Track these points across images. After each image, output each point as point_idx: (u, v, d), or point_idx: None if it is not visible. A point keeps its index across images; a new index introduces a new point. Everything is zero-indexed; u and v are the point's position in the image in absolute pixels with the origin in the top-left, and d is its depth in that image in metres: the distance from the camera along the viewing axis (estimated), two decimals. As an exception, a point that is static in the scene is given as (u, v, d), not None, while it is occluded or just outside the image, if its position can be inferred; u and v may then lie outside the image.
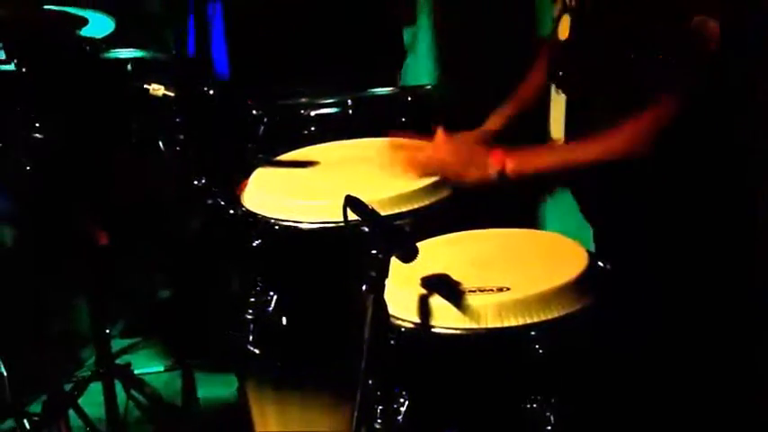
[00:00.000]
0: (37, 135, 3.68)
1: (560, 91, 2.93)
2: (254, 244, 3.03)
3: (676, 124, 2.68)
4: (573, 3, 2.90)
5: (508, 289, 2.54)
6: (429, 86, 3.87)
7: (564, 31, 2.94)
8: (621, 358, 2.64)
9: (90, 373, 3.79)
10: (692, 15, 2.65)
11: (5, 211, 4.05)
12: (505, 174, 2.77)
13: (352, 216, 2.53)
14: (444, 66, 4.18)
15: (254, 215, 3.00)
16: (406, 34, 4.31)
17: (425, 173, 2.94)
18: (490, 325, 2.50)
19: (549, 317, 2.51)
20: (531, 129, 3.14)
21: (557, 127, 2.95)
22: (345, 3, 4.17)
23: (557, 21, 2.97)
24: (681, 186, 2.77)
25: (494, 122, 3.14)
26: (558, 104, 2.94)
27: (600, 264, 2.67)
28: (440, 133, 2.95)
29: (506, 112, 3.15)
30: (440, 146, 2.93)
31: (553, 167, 2.80)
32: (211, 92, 3.53)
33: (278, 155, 3.26)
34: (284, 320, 3.01)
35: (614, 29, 2.77)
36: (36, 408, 3.79)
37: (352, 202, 2.53)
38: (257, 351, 3.05)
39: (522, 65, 3.20)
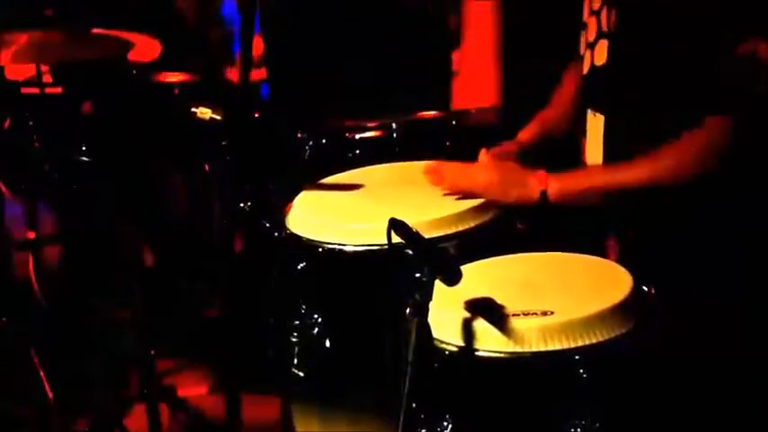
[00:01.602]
0: (83, 158, 3.72)
1: (597, 114, 2.92)
2: (299, 267, 3.04)
3: (731, 150, 2.66)
4: (610, 27, 2.89)
5: (552, 312, 2.53)
6: (475, 110, 3.87)
7: (600, 56, 2.94)
8: (667, 383, 2.63)
9: (135, 394, 3.81)
10: (743, 38, 2.64)
11: (54, 231, 4.08)
12: (548, 195, 2.77)
13: (396, 239, 2.53)
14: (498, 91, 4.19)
15: (299, 238, 3.01)
16: (454, 57, 4.32)
17: (468, 195, 2.94)
18: (534, 349, 2.49)
19: (594, 341, 2.49)
20: (562, 156, 3.14)
21: (594, 150, 2.94)
22: (393, 25, 4.18)
23: (589, 46, 2.96)
24: (736, 209, 2.75)
25: (525, 134, 3.14)
26: (595, 127, 2.94)
27: (644, 288, 2.65)
28: (483, 154, 2.96)
29: (534, 129, 3.15)
30: (482, 167, 2.94)
31: (597, 189, 2.79)
32: (258, 115, 3.55)
33: (323, 178, 3.27)
34: (328, 343, 3.01)
35: (659, 53, 2.76)
36: (82, 429, 3.81)
37: (396, 225, 2.53)
38: (301, 374, 3.05)
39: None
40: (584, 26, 3.02)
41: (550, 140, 3.18)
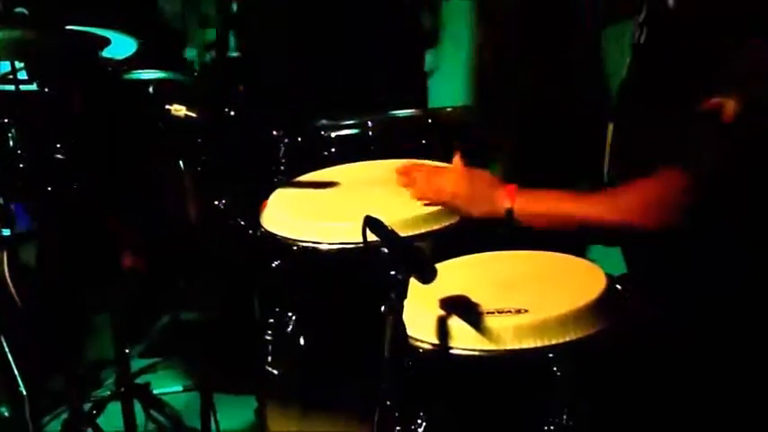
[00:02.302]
0: (58, 155, 3.70)
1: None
2: (274, 265, 3.04)
3: (690, 207, 2.63)
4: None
5: (527, 311, 2.54)
6: (450, 109, 3.87)
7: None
8: (640, 380, 2.63)
9: (109, 392, 3.80)
10: (709, 95, 2.63)
11: (29, 230, 4.06)
12: (514, 213, 2.75)
13: (371, 237, 2.53)
14: (471, 88, 4.19)
15: (274, 236, 3.00)
16: (429, 56, 4.32)
17: (433, 202, 2.94)
18: (508, 347, 2.50)
19: (568, 339, 2.50)
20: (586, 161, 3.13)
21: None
22: (366, 25, 4.18)
23: None
24: (724, 253, 2.72)
25: None
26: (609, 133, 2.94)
27: (618, 287, 2.66)
28: (457, 160, 2.95)
29: None
30: (453, 176, 2.92)
31: (559, 216, 2.74)
32: (232, 113, 3.54)
33: (298, 176, 3.27)
34: (302, 341, 3.02)
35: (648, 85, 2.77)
36: (55, 427, 3.80)
37: (371, 223, 2.53)
38: (276, 372, 3.05)
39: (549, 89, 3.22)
40: None
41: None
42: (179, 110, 3.25)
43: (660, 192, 2.64)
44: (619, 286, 2.67)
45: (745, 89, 2.60)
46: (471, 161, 2.99)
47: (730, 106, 2.60)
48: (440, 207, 2.93)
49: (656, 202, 2.64)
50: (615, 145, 2.91)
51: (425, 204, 2.93)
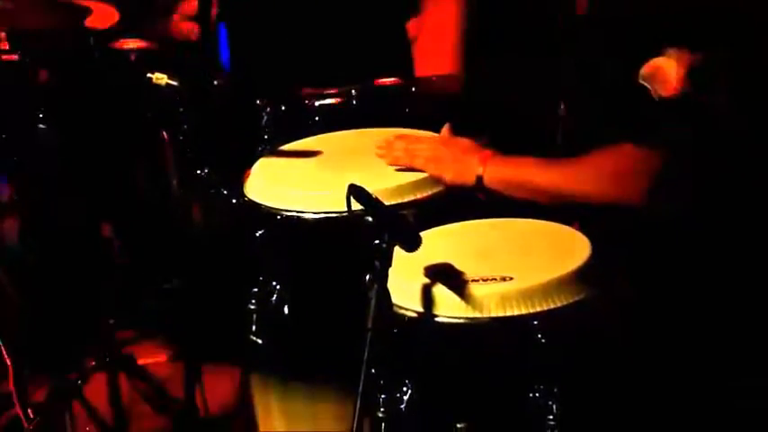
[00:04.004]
0: (41, 125, 3.68)
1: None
2: (257, 234, 3.03)
3: (650, 178, 2.63)
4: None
5: (511, 278, 2.54)
6: (436, 77, 3.85)
7: None
8: (624, 348, 2.63)
9: (94, 363, 3.79)
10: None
11: (10, 202, 4.05)
12: (483, 179, 2.76)
13: (355, 205, 2.52)
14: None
15: (257, 205, 2.99)
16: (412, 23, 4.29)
17: (407, 166, 2.93)
18: (493, 314, 2.50)
19: (552, 306, 2.50)
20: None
21: None
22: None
23: None
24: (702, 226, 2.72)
25: None
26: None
27: (603, 254, 2.66)
28: (445, 129, 2.95)
29: None
30: (430, 141, 2.93)
31: (528, 183, 2.75)
32: (215, 82, 3.53)
33: (281, 145, 3.25)
34: (287, 311, 3.01)
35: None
36: (40, 397, 3.79)
37: (355, 192, 2.52)
38: (260, 341, 3.05)
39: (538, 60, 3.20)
40: None
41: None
42: (160, 78, 3.22)
43: (613, 163, 2.65)
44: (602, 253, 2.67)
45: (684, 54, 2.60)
46: (462, 131, 2.99)
47: (672, 70, 2.58)
48: (424, 176, 2.92)
49: (609, 174, 2.66)
50: (566, 121, 2.93)
51: (399, 170, 2.93)
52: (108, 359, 3.70)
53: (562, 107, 3.01)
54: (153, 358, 4.14)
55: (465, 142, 2.92)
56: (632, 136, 2.63)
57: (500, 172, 2.79)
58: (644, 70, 2.60)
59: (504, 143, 2.94)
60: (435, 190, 2.92)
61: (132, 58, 3.66)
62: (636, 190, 2.63)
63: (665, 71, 2.59)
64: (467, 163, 2.82)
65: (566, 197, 2.72)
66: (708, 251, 2.67)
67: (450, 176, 2.86)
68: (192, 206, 3.68)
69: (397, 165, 2.96)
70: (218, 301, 3.70)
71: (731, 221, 2.66)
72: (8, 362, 3.57)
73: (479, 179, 2.79)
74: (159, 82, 3.22)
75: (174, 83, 3.21)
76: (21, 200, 4.02)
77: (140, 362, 3.85)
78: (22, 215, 4.11)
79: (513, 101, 3.49)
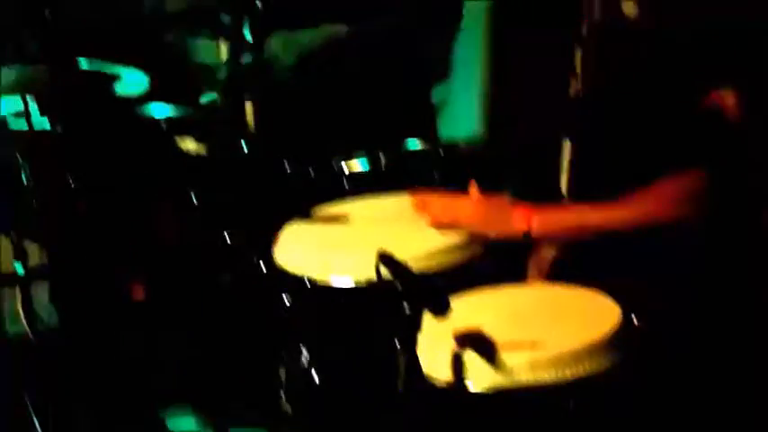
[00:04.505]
0: (72, 188, 3.71)
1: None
2: (286, 300, 3.03)
3: (706, 200, 2.70)
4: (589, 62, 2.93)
5: (541, 345, 2.53)
6: (464, 142, 3.87)
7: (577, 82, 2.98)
8: (654, 414, 2.63)
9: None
10: (709, 90, 2.69)
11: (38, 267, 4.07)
12: (531, 232, 2.80)
13: (384, 272, 2.52)
14: (486, 121, 4.17)
15: (286, 271, 3.00)
16: (440, 89, 4.31)
17: (450, 229, 2.95)
18: (523, 381, 2.49)
19: (582, 373, 2.49)
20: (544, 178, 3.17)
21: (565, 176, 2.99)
22: (377, 56, 4.17)
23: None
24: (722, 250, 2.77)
25: None
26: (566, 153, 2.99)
27: (633, 320, 2.65)
28: (473, 190, 2.97)
29: None
30: (468, 201, 2.95)
31: (579, 229, 2.82)
32: (244, 146, 3.55)
33: (310, 209, 3.26)
34: (315, 376, 3.00)
35: (630, 95, 2.80)
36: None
37: (384, 259, 2.52)
38: (288, 408, 3.04)
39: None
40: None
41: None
42: (189, 144, 3.24)
43: (679, 189, 2.74)
44: (633, 318, 2.67)
45: (741, 83, 2.65)
46: (487, 190, 3.01)
47: (730, 100, 2.66)
48: (453, 240, 2.92)
49: (685, 200, 2.75)
50: (575, 162, 2.95)
51: (441, 231, 2.94)
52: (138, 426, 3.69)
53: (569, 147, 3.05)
54: (183, 426, 4.13)
55: (501, 198, 2.97)
56: (698, 161, 2.73)
57: (547, 222, 2.85)
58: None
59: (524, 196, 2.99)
60: (465, 255, 2.92)
61: (162, 124, 3.69)
62: (700, 210, 2.74)
63: (726, 99, 2.66)
64: (511, 217, 2.87)
65: (623, 229, 2.75)
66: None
67: (495, 232, 2.89)
68: (220, 270, 3.68)
69: (437, 224, 2.96)
70: (247, 367, 3.70)
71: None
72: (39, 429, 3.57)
73: (527, 234, 2.83)
74: (189, 148, 3.24)
75: (204, 149, 3.24)
76: (51, 263, 4.04)
77: (170, 428, 3.84)
78: (52, 279, 4.12)
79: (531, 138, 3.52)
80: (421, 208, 3.01)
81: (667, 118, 2.76)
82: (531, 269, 3.10)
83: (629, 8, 2.80)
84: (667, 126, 2.77)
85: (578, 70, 2.99)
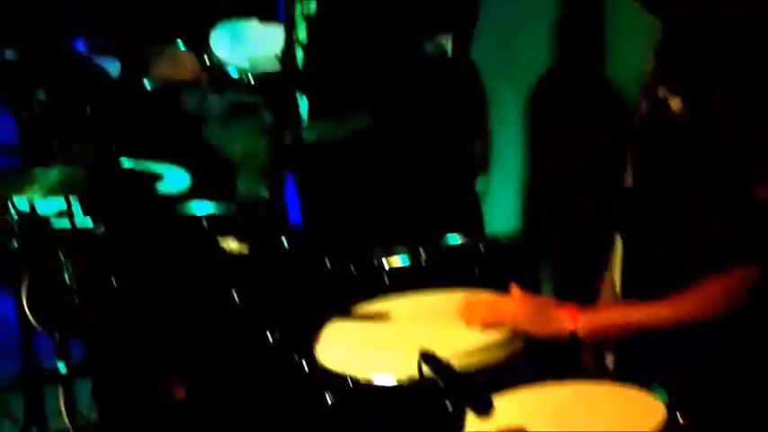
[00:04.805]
0: (114, 286, 3.73)
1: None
2: (328, 398, 3.02)
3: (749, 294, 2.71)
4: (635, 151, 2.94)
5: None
6: (504, 237, 3.87)
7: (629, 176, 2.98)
8: None
9: None
10: (759, 182, 2.70)
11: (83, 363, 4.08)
12: (578, 332, 2.81)
13: (426, 370, 2.51)
14: (526, 215, 4.19)
15: (328, 369, 2.99)
16: (480, 182, 4.33)
17: (496, 326, 2.95)
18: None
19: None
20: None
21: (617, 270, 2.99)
22: (420, 152, 4.19)
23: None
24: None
25: None
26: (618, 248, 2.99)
27: (678, 418, 2.63)
28: (514, 290, 2.98)
29: None
30: (513, 301, 2.96)
31: (624, 328, 2.83)
32: (285, 244, 3.56)
33: (352, 307, 3.26)
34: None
35: (679, 188, 2.81)
36: None
37: (426, 357, 2.52)
38: None
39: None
40: None
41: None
42: (231, 244, 3.26)
43: (735, 287, 2.76)
44: (679, 416, 2.64)
45: None
46: (528, 288, 3.02)
47: None
48: (495, 338, 2.92)
49: (732, 297, 2.76)
50: (629, 258, 2.95)
51: (487, 329, 2.93)
52: None
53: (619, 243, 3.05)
54: None
55: (545, 298, 2.98)
56: (745, 256, 2.76)
57: (593, 322, 2.86)
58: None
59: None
60: (507, 353, 2.91)
61: (204, 223, 3.71)
62: (742, 305, 2.75)
63: None
64: (556, 317, 2.87)
65: (667, 327, 2.77)
66: None
67: (542, 332, 2.88)
68: (262, 369, 3.68)
69: (484, 325, 2.96)
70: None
71: None
72: None
73: (573, 334, 2.83)
74: (231, 248, 3.26)
75: (245, 249, 3.25)
76: (93, 361, 4.05)
77: None
78: (94, 376, 4.14)
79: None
80: (467, 310, 3.01)
81: (715, 212, 2.77)
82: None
83: (676, 104, 2.82)
84: (715, 220, 2.77)
85: (628, 164, 2.99)
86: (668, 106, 2.84)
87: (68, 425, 3.98)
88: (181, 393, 3.68)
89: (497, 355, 2.90)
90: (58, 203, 3.80)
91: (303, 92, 3.96)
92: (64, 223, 3.77)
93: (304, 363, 3.15)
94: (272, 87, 4.68)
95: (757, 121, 2.77)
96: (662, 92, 2.86)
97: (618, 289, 3.04)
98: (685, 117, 2.82)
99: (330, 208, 4.12)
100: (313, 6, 3.90)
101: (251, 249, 3.33)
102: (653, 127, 2.91)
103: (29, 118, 4.50)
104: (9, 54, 4.78)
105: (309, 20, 3.91)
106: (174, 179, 3.97)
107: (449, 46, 3.72)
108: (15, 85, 4.69)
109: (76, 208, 3.75)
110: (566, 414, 2.69)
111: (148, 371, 3.87)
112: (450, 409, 2.43)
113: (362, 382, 2.91)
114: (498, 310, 2.97)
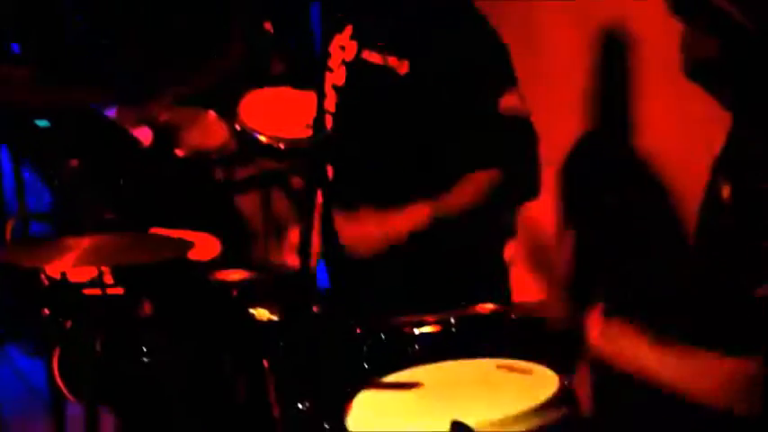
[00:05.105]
0: (144, 357, 3.74)
1: None
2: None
3: None
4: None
5: None
6: (534, 303, 3.86)
7: None
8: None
9: None
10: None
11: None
12: None
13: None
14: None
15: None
16: (508, 249, 4.32)
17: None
18: None
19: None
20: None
21: None
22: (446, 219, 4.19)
23: None
24: None
25: None
26: None
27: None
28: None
29: None
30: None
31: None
32: (316, 312, 3.55)
33: (382, 376, 3.26)
34: None
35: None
36: None
37: (457, 427, 2.51)
38: None
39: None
40: None
41: None
42: (262, 314, 3.27)
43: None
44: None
45: None
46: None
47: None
48: (529, 406, 2.91)
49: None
50: None
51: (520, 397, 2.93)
52: None
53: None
54: None
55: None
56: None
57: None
58: None
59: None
60: (542, 421, 2.90)
61: (234, 291, 3.72)
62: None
63: None
64: None
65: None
66: None
67: None
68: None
69: None
70: None
71: None
72: None
73: None
74: (261, 317, 3.27)
75: (276, 318, 3.26)
76: (124, 428, 4.05)
77: None
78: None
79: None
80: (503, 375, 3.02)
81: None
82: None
83: (727, 192, 2.81)
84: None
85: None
86: (720, 190, 2.82)
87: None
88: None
89: (529, 424, 2.88)
90: (89, 271, 3.82)
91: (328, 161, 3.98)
92: (95, 291, 3.79)
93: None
94: (302, 155, 4.73)
95: None
96: (720, 179, 2.84)
97: None
98: (732, 205, 2.80)
99: (359, 275, 4.12)
100: (343, 77, 3.92)
101: (281, 317, 3.33)
102: (704, 206, 2.89)
103: (61, 186, 4.53)
104: (42, 122, 4.83)
105: (338, 90, 3.93)
106: (204, 246, 3.99)
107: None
108: (48, 153, 4.73)
109: (107, 276, 3.76)
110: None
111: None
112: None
113: (394, 452, 2.90)
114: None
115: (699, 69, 2.78)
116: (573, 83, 4.67)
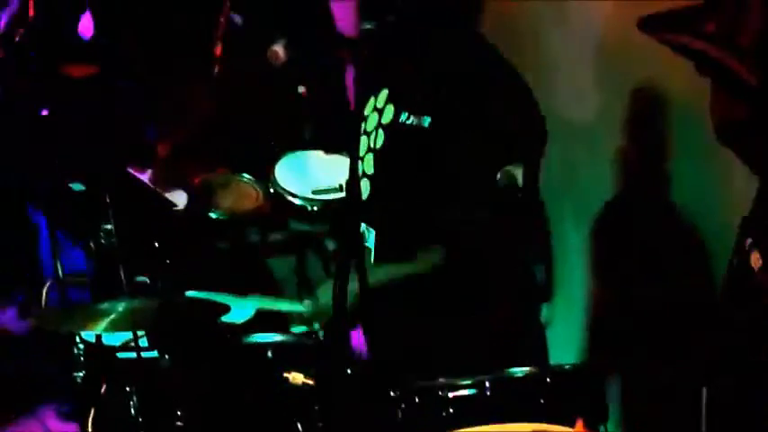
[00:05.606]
0: (178, 421, 3.74)
1: None
2: None
3: None
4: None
5: None
6: (569, 365, 3.84)
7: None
8: None
9: None
10: None
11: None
12: None
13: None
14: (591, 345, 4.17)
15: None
16: (544, 311, 4.32)
17: None
18: None
19: None
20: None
21: None
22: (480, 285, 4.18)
23: None
24: None
25: None
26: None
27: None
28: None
29: None
30: None
31: None
32: (350, 376, 3.55)
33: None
34: None
35: None
36: None
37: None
38: None
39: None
40: None
41: None
42: (297, 378, 3.28)
43: None
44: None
45: None
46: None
47: None
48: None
49: None
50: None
51: None
52: None
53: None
54: None
55: None
56: None
57: None
58: None
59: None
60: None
61: (269, 353, 3.72)
62: None
63: None
64: None
65: None
66: None
67: None
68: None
69: None
70: None
71: None
72: None
73: None
74: (296, 382, 3.27)
75: (311, 382, 3.26)
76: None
77: None
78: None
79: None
80: None
81: None
82: None
83: (756, 259, 2.81)
84: None
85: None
86: (749, 258, 2.81)
87: None
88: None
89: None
90: (124, 335, 3.84)
91: (369, 224, 3.98)
92: (130, 354, 3.80)
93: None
94: (335, 217, 4.74)
95: None
96: (749, 242, 2.83)
97: None
98: (761, 275, 2.79)
99: (393, 339, 4.11)
100: (381, 140, 3.94)
101: (316, 381, 3.33)
102: (731, 267, 2.88)
103: (96, 250, 4.56)
104: (76, 186, 4.86)
105: (377, 153, 3.94)
106: (239, 310, 4.00)
107: (519, 176, 3.73)
108: (83, 217, 4.76)
109: (142, 340, 3.77)
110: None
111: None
112: None
113: None
114: None
115: (727, 131, 2.77)
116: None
